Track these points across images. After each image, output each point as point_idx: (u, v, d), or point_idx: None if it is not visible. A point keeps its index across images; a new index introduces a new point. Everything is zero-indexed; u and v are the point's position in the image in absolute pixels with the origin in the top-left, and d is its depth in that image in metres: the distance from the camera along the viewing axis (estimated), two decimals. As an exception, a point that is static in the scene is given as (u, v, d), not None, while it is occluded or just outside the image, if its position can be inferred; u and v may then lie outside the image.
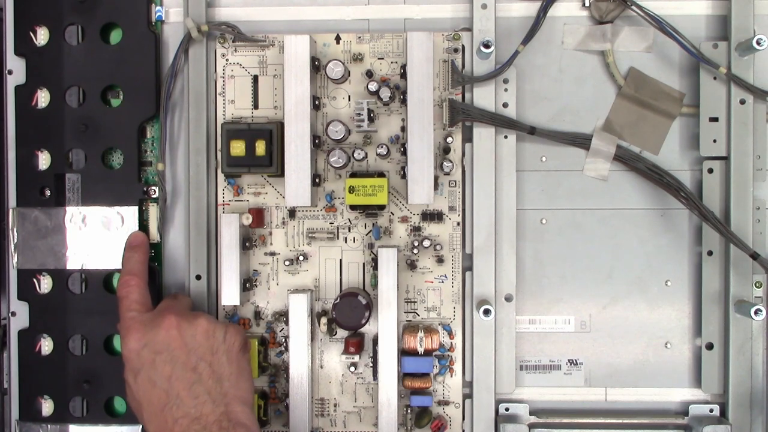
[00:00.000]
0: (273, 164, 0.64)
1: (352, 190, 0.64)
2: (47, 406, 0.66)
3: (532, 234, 0.67)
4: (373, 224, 0.66)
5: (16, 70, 0.67)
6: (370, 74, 0.66)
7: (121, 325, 0.60)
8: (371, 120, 0.65)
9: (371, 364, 0.66)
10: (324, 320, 0.66)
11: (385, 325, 0.63)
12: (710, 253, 0.66)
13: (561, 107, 0.67)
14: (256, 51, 0.67)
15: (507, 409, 0.67)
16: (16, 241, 0.66)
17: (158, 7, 0.66)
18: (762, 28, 0.65)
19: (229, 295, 0.64)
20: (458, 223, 0.66)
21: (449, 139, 0.66)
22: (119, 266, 0.65)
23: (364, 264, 0.67)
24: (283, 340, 0.67)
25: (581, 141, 0.66)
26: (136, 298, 0.61)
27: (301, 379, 0.64)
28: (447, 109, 0.65)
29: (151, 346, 0.57)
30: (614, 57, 0.66)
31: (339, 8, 0.68)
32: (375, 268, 0.65)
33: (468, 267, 0.66)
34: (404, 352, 0.65)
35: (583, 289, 0.68)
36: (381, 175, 0.66)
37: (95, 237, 0.66)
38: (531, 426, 0.66)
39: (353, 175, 0.66)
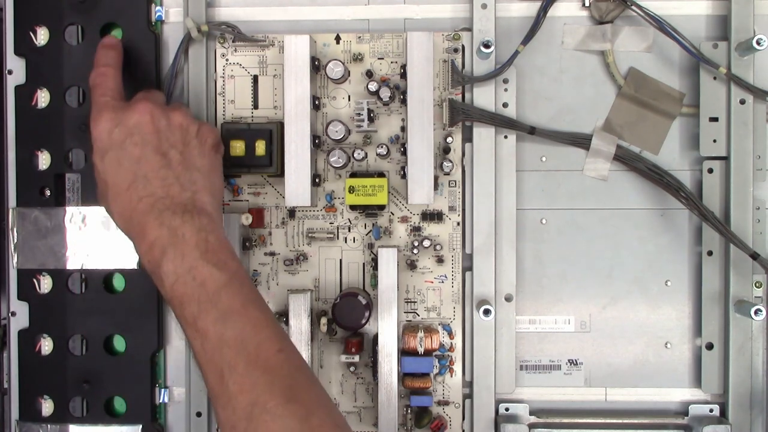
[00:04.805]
0: (273, 164, 0.64)
1: (352, 190, 0.64)
2: (47, 406, 0.66)
3: (532, 234, 0.67)
4: (373, 224, 0.66)
5: (16, 70, 0.67)
6: (370, 74, 0.66)
7: (92, 108, 0.58)
8: (371, 120, 0.65)
9: (371, 364, 0.66)
10: (324, 320, 0.66)
11: (385, 325, 0.63)
12: (710, 253, 0.66)
13: (561, 107, 0.67)
14: (256, 51, 0.67)
15: (507, 409, 0.67)
16: (16, 241, 0.66)
17: (158, 7, 0.66)
18: (762, 28, 0.65)
19: (229, 295, 0.64)
20: (458, 223, 0.66)
21: (449, 139, 0.66)
22: (119, 266, 0.65)
23: (364, 264, 0.67)
24: (283, 340, 0.67)
25: (581, 141, 0.66)
26: (111, 86, 0.59)
27: (301, 379, 0.64)
28: (447, 109, 0.65)
29: (122, 128, 0.56)
30: (614, 57, 0.66)
31: (339, 8, 0.67)
32: (375, 268, 0.65)
33: (468, 267, 0.66)
34: (404, 352, 0.65)
35: (583, 289, 0.68)
36: (381, 175, 0.66)
37: (95, 237, 0.66)
38: (531, 426, 0.66)
39: (353, 175, 0.66)
